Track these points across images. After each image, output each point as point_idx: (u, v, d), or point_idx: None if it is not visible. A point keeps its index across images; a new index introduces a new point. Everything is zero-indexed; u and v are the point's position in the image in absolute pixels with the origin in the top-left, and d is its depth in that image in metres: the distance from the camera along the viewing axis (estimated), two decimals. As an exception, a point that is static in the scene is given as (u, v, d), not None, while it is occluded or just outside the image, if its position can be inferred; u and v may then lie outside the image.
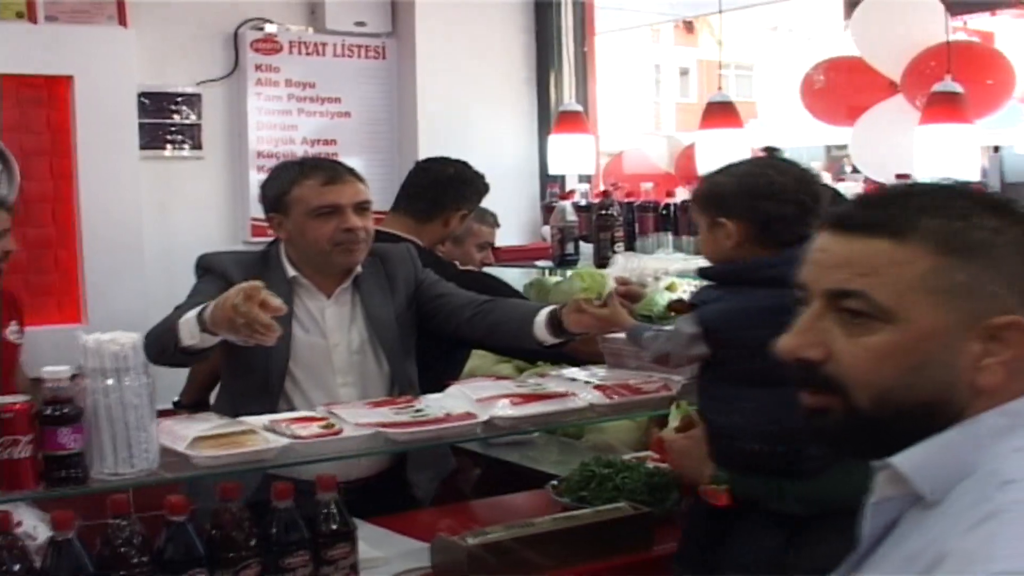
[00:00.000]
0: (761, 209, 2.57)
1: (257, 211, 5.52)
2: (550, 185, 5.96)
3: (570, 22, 6.20)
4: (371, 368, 3.49)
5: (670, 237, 5.21)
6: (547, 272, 5.74)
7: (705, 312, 2.66)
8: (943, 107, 4.13)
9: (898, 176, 4.06)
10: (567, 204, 5.25)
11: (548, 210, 5.80)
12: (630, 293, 3.10)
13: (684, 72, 34.19)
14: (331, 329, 3.46)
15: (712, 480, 2.63)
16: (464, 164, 4.53)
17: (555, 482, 3.52)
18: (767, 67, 32.78)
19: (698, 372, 2.80)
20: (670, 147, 6.05)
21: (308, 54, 5.70)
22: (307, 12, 5.74)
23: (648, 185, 5.37)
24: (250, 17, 5.57)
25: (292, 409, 3.28)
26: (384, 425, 2.74)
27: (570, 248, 5.18)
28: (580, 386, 3.11)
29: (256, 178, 5.57)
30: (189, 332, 2.95)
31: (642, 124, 30.88)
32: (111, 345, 2.33)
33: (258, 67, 5.56)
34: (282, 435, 2.67)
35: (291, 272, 3.47)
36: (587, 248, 5.18)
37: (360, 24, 5.78)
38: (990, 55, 4.69)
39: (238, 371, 3.43)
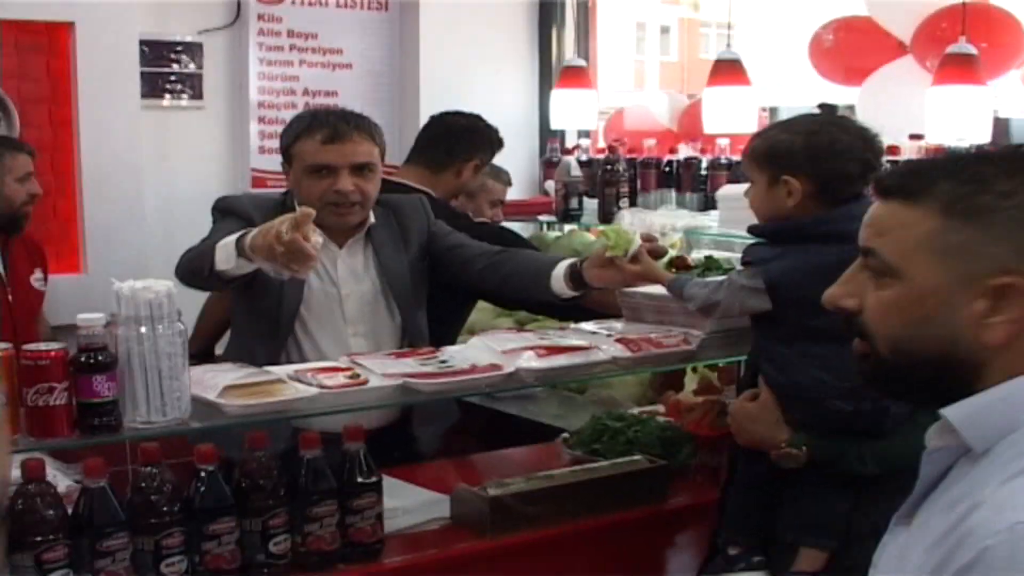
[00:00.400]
0: (827, 167, 2.58)
1: (257, 162, 5.57)
2: (551, 140, 5.95)
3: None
4: (383, 319, 3.47)
5: (673, 194, 5.22)
6: (545, 227, 5.73)
7: (772, 268, 2.64)
8: (957, 68, 4.11)
9: (912, 136, 4.05)
10: (571, 159, 5.23)
11: (548, 165, 5.79)
12: (654, 250, 3.07)
13: (665, 30, 34.06)
14: (343, 279, 3.43)
15: (790, 443, 2.61)
16: (477, 117, 4.53)
17: (566, 435, 3.53)
18: (750, 25, 32.88)
19: (756, 332, 2.79)
20: (672, 103, 6.02)
21: (311, 4, 5.65)
22: (311, -37, 5.68)
23: (651, 142, 5.37)
24: (254, -35, 5.50)
25: (302, 356, 3.28)
26: (411, 376, 2.72)
27: (574, 203, 5.17)
28: (601, 339, 3.09)
29: (256, 129, 5.55)
30: (225, 256, 2.93)
31: (624, 82, 30.85)
32: (145, 293, 2.30)
33: (260, 16, 5.51)
34: (309, 385, 2.64)
35: None
36: (590, 204, 5.19)
37: (364, -25, 5.73)
38: (1002, 17, 4.66)
39: (250, 314, 3.41)
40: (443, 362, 2.86)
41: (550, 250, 5.41)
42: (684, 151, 5.40)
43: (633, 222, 4.73)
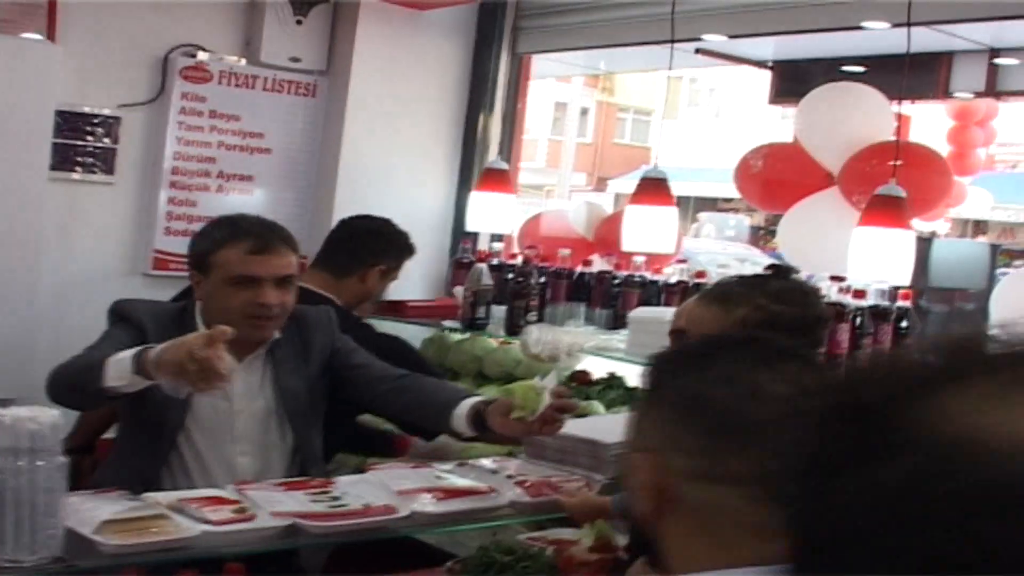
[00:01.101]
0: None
1: (162, 244, 5.41)
2: (463, 240, 5.85)
3: (504, 77, 6.11)
4: (273, 439, 3.35)
5: (583, 308, 5.15)
6: (446, 330, 5.62)
7: None
8: (884, 210, 4.10)
9: (833, 278, 4.02)
10: (483, 267, 5.15)
11: (458, 266, 5.71)
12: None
13: (584, 112, 34.40)
14: (238, 395, 3.30)
15: None
16: (386, 221, 4.47)
17: (452, 564, 3.41)
18: (665, 114, 33.31)
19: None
20: (589, 213, 5.97)
21: (238, 86, 5.52)
22: (242, 43, 5.56)
23: (566, 252, 5.30)
24: (183, 43, 5.37)
25: (185, 472, 3.17)
26: (301, 516, 2.60)
27: (481, 312, 5.09)
28: (500, 481, 3.00)
29: (164, 209, 5.40)
30: (118, 373, 2.82)
31: (539, 160, 31.05)
32: (29, 424, 2.16)
33: (184, 95, 5.37)
34: (192, 518, 2.51)
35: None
36: (497, 310, 5.10)
37: (295, 60, 5.63)
38: (933, 159, 4.67)
39: (134, 421, 3.28)
40: (335, 499, 2.75)
41: (450, 354, 5.34)
42: (598, 264, 5.35)
43: (540, 338, 4.67)
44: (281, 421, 3.34)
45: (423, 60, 5.95)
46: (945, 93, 6.54)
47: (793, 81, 7.55)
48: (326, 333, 3.50)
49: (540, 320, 4.95)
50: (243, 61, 5.57)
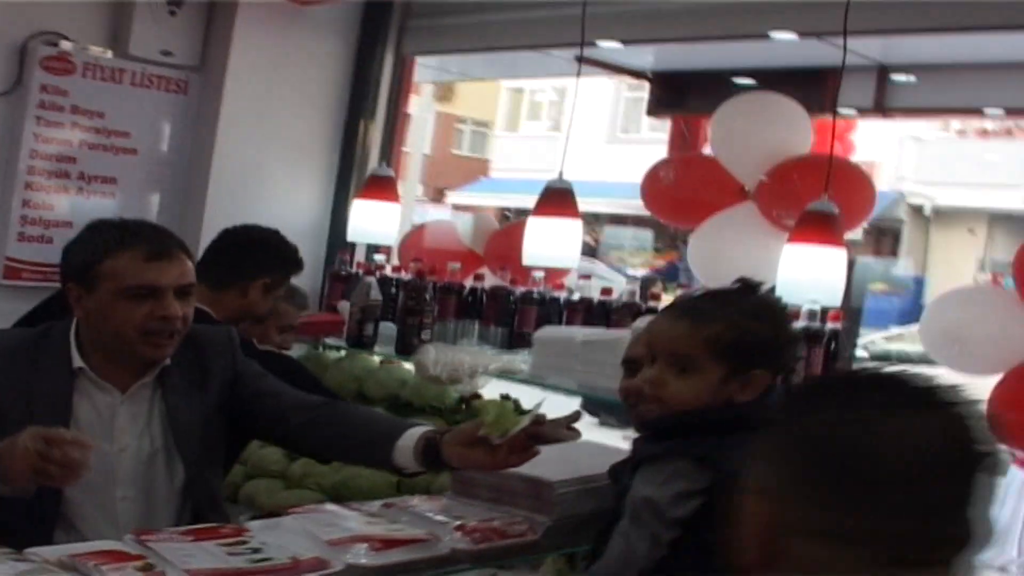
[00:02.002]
0: (789, 359, 2.46)
1: (15, 251, 4.92)
2: (341, 252, 5.46)
3: (388, 80, 5.77)
4: (161, 481, 2.90)
5: (476, 325, 4.81)
6: (322, 347, 5.24)
7: (726, 460, 2.24)
8: (816, 227, 3.87)
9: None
10: (372, 280, 4.79)
11: (335, 279, 5.34)
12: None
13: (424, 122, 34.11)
14: (120, 432, 2.86)
15: None
16: (273, 232, 4.04)
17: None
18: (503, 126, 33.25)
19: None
20: (477, 225, 5.63)
21: (103, 80, 5.06)
22: (109, 33, 5.09)
23: (456, 265, 4.96)
24: (44, 30, 4.88)
25: (69, 527, 2.75)
26: (220, 574, 2.20)
27: (369, 329, 4.73)
28: (439, 526, 2.64)
29: (19, 213, 4.92)
30: None
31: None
32: None
33: (44, 87, 4.89)
34: (89, 578, 2.10)
35: (78, 362, 2.85)
36: (385, 327, 4.75)
37: (166, 54, 5.19)
38: (854, 173, 4.46)
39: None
40: (255, 551, 2.35)
41: (327, 374, 4.96)
42: (490, 279, 5.03)
43: (438, 359, 4.33)
44: (170, 459, 2.91)
45: (303, 58, 5.59)
46: (832, 109, 6.40)
47: (673, 93, 7.37)
48: (225, 356, 3.07)
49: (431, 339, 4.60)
50: (110, 53, 5.12)
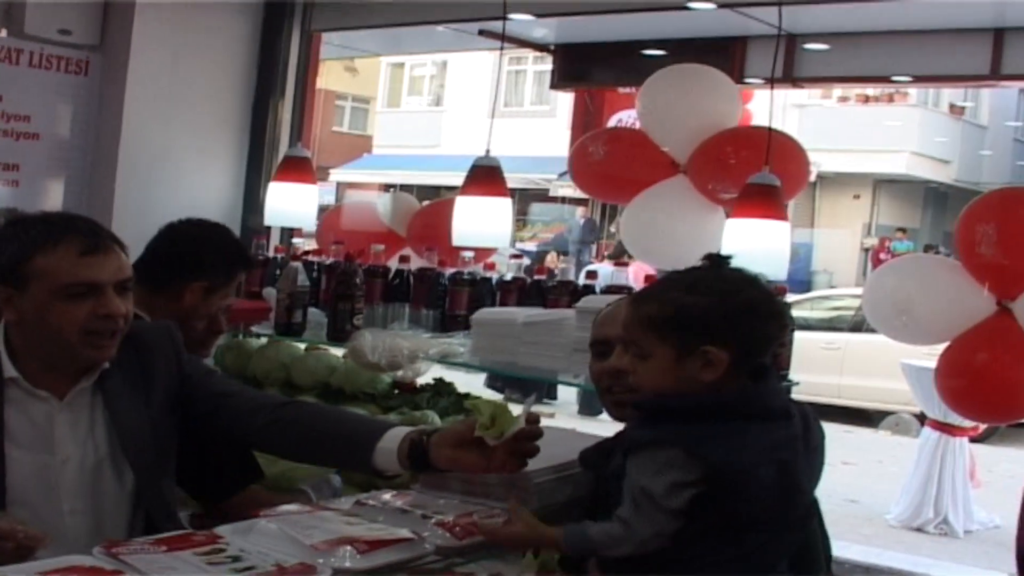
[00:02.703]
0: (749, 331, 2.25)
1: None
2: (256, 237, 5.28)
3: (296, 57, 5.60)
4: (109, 489, 2.73)
5: (407, 309, 4.67)
6: (241, 335, 5.06)
7: (716, 452, 2.17)
8: (759, 200, 3.82)
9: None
10: (298, 266, 4.61)
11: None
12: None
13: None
14: (61, 441, 2.68)
15: None
16: (221, 228, 3.77)
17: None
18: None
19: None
20: (398, 204, 5.49)
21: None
22: (2, 12, 4.85)
23: (379, 247, 4.81)
24: (-69, 9, 4.63)
25: None
26: (207, 588, 2.07)
27: (298, 316, 4.56)
28: (418, 522, 2.52)
29: (-85, 209, 4.67)
30: None
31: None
32: None
33: (-64, 71, 4.65)
34: (66, 598, 1.96)
35: (10, 371, 2.66)
36: (314, 314, 4.59)
37: (64, 32, 4.95)
38: (788, 144, 4.41)
39: None
40: (235, 559, 2.22)
41: (252, 362, 4.79)
42: (416, 261, 4.90)
43: (375, 344, 4.19)
44: (118, 467, 2.74)
45: (208, 36, 5.42)
46: (739, 78, 6.37)
47: (577, 65, 7.30)
48: (169, 356, 2.88)
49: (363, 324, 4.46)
50: (3, 32, 4.88)
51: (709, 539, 2.21)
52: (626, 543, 2.23)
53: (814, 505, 2.45)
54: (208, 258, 3.63)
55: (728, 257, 2.38)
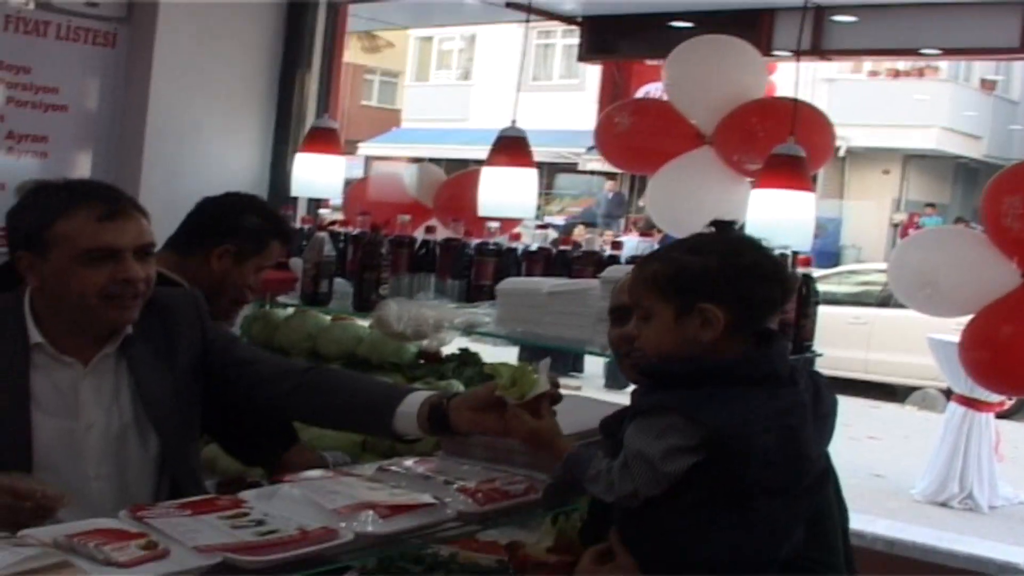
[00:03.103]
0: (750, 292, 2.25)
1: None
2: (284, 207, 5.30)
3: (322, 28, 5.60)
4: (134, 454, 2.77)
5: (432, 279, 4.69)
6: (268, 305, 5.08)
7: (718, 418, 2.17)
8: (784, 171, 3.81)
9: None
10: (325, 236, 4.62)
11: (279, 235, 5.17)
12: (555, 397, 2.52)
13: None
14: (86, 407, 2.72)
15: None
16: (250, 197, 3.81)
17: (351, 575, 2.98)
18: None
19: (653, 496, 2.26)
20: (424, 176, 5.51)
21: (27, 33, 4.84)
22: (30, -16, 4.88)
23: (406, 218, 4.83)
24: (-41, -18, 4.66)
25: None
26: (232, 549, 2.09)
27: (324, 286, 4.57)
28: (441, 488, 2.54)
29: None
30: None
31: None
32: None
33: (-36, 43, 4.68)
34: (93, 559, 1.99)
35: (36, 337, 2.70)
36: (339, 284, 4.61)
37: (91, 4, 4.97)
38: (814, 115, 4.40)
39: None
40: (259, 523, 2.24)
41: (278, 332, 4.82)
42: (442, 231, 4.91)
43: (402, 315, 4.21)
44: (143, 433, 2.78)
45: (235, 8, 5.43)
46: (767, 50, 6.34)
47: (605, 37, 7.27)
48: (193, 323, 2.92)
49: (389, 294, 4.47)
50: (31, 4, 4.89)
51: (714, 506, 2.21)
52: (607, 495, 2.28)
53: (827, 474, 2.44)
54: (235, 222, 3.68)
55: (733, 222, 2.41)
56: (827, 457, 2.41)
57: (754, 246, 2.33)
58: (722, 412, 2.18)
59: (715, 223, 2.42)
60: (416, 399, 2.61)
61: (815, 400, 2.31)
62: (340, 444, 4.14)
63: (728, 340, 2.24)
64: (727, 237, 2.37)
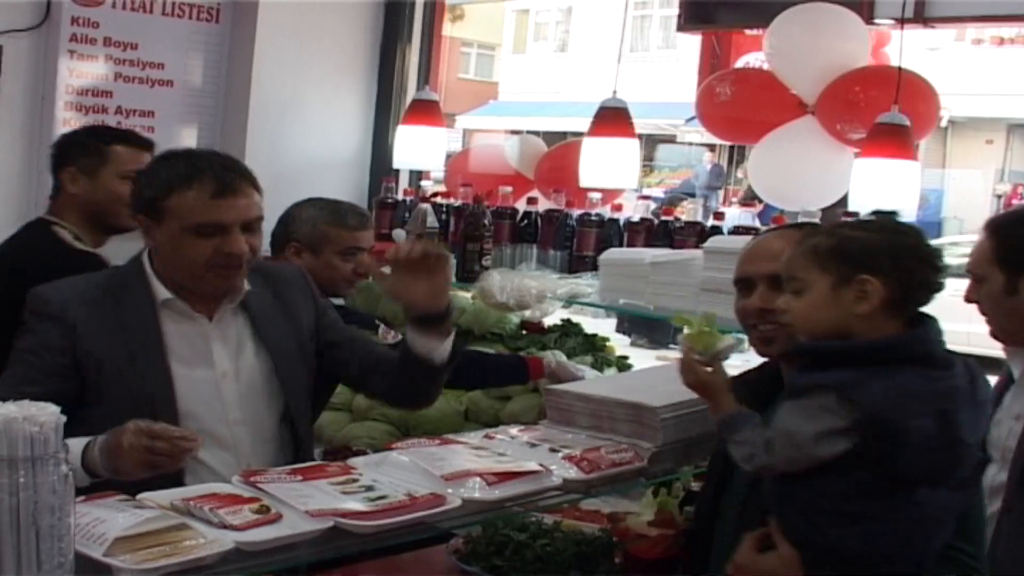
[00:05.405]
0: (912, 271, 2.23)
1: (58, 187, 4.80)
2: (386, 179, 5.34)
3: (421, 1, 5.63)
4: (264, 402, 2.91)
5: (534, 250, 4.70)
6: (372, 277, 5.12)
7: (874, 397, 2.13)
8: (888, 140, 3.76)
9: (846, 213, 3.68)
10: (427, 207, 4.68)
11: (382, 206, 5.21)
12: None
13: (442, 46, 33.86)
14: (218, 355, 2.85)
15: None
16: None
17: (454, 542, 3.02)
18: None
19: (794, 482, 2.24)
20: (523, 146, 5.51)
21: (133, 10, 4.93)
22: (134, -39, 4.96)
23: (508, 189, 4.84)
24: (68, -40, 4.73)
25: (193, 461, 2.61)
26: (343, 515, 2.13)
27: (428, 257, 4.58)
28: (546, 455, 2.56)
29: (57, 151, 4.80)
30: None
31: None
32: (26, 426, 1.65)
33: (74, 20, 4.76)
34: (208, 522, 2.04)
35: (164, 294, 2.81)
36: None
37: (195, -20, 5.05)
38: (918, 83, 4.32)
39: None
40: (368, 489, 2.28)
41: (382, 303, 4.86)
42: (543, 202, 4.91)
43: (503, 285, 4.23)
44: (269, 382, 2.91)
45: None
46: (869, 18, 6.24)
47: (702, 6, 7.19)
48: (305, 292, 3.07)
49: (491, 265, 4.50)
50: (137, -20, 4.98)
51: (867, 494, 2.16)
52: (747, 464, 2.27)
53: (983, 464, 2.39)
54: (69, 148, 3.75)
55: (894, 212, 2.38)
56: (982, 446, 2.36)
57: (917, 231, 2.33)
58: (878, 391, 2.13)
59: (876, 212, 2.42)
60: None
61: (971, 385, 2.25)
62: (444, 417, 4.21)
63: (881, 318, 2.22)
64: (896, 221, 2.36)
